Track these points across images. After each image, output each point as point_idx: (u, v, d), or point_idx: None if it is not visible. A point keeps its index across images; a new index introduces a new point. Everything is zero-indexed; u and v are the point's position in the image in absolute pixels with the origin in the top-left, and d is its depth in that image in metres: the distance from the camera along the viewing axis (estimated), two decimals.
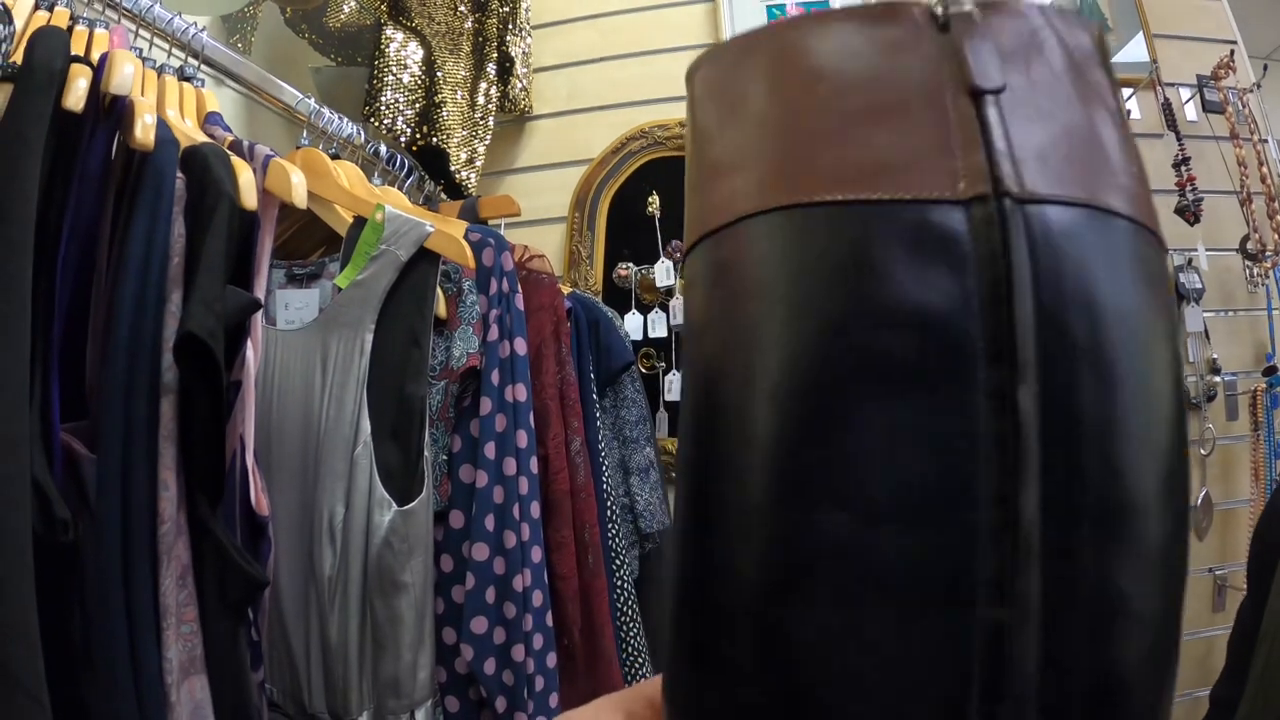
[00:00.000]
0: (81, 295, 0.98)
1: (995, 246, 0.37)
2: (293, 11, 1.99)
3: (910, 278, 0.36)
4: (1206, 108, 2.18)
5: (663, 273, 2.12)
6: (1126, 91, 2.19)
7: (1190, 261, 2.15)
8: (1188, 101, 2.19)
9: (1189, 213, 2.06)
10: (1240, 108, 2.15)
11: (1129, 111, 2.16)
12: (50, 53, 0.89)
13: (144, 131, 0.96)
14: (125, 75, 0.96)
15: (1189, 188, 2.06)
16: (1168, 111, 2.13)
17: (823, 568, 0.36)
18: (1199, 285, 2.15)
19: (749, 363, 0.38)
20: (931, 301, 0.36)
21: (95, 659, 0.84)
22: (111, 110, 0.99)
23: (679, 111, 2.26)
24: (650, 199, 2.19)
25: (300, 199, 1.18)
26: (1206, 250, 2.13)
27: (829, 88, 0.40)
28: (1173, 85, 2.18)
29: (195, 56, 1.39)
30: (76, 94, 0.91)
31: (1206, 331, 2.15)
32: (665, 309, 2.13)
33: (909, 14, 0.42)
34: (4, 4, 0.93)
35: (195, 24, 1.39)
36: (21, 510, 0.78)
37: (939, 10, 0.41)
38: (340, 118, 1.72)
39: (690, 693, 0.40)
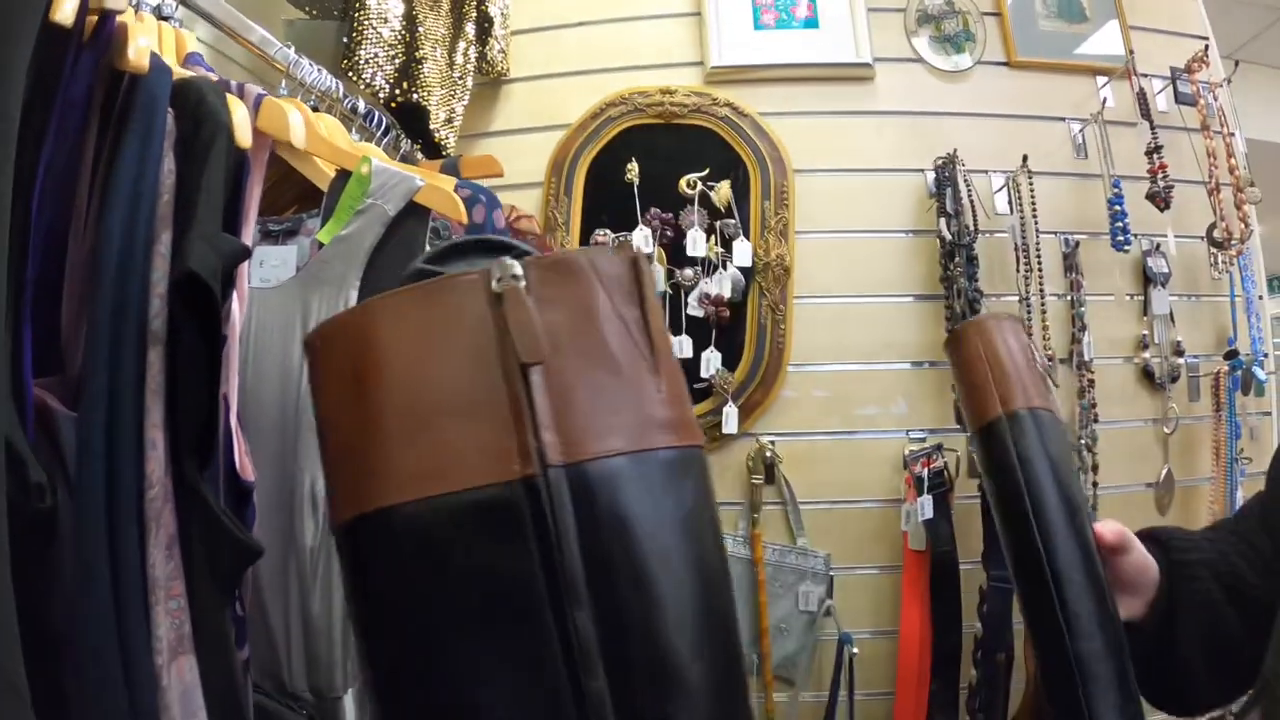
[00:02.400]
0: (58, 235, 0.85)
1: (543, 511, 0.48)
2: None
3: (485, 549, 0.48)
4: (1179, 99, 2.15)
5: (640, 240, 2.03)
6: (1102, 79, 2.16)
7: (1158, 246, 2.14)
8: (1160, 92, 2.16)
9: (1159, 198, 2.04)
10: (1212, 101, 2.12)
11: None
12: None
13: (138, 54, 0.83)
14: None
15: (1160, 175, 2.03)
16: (1142, 101, 2.11)
17: None
18: (1166, 270, 2.14)
19: (387, 629, 0.51)
20: (503, 565, 0.48)
21: (78, 640, 0.72)
22: (99, 33, 0.85)
23: (659, 78, 2.18)
24: (629, 166, 2.09)
25: (299, 139, 1.07)
26: (1175, 236, 2.12)
27: (410, 384, 0.52)
28: (1147, 76, 2.14)
29: None
30: (65, 7, 0.78)
31: (1172, 315, 2.14)
32: None
33: (474, 288, 0.52)
34: None
35: None
36: None
37: (494, 284, 0.52)
38: (320, 70, 1.59)
39: None
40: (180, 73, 1.02)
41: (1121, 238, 2.03)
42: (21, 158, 0.75)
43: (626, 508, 0.49)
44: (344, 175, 1.28)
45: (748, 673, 0.47)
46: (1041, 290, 2.04)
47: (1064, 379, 2.04)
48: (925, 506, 1.87)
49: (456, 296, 0.51)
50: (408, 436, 0.49)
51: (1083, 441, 2.00)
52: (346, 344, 0.52)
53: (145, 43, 0.84)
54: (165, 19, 1.22)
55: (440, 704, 0.49)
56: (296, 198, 1.48)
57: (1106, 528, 0.90)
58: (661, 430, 0.51)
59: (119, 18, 0.85)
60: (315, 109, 1.52)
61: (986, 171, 2.10)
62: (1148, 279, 2.13)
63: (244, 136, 0.93)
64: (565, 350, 0.49)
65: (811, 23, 2.15)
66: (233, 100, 0.95)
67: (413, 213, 1.26)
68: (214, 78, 1.14)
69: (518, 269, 0.52)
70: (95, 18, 0.84)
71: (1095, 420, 2.03)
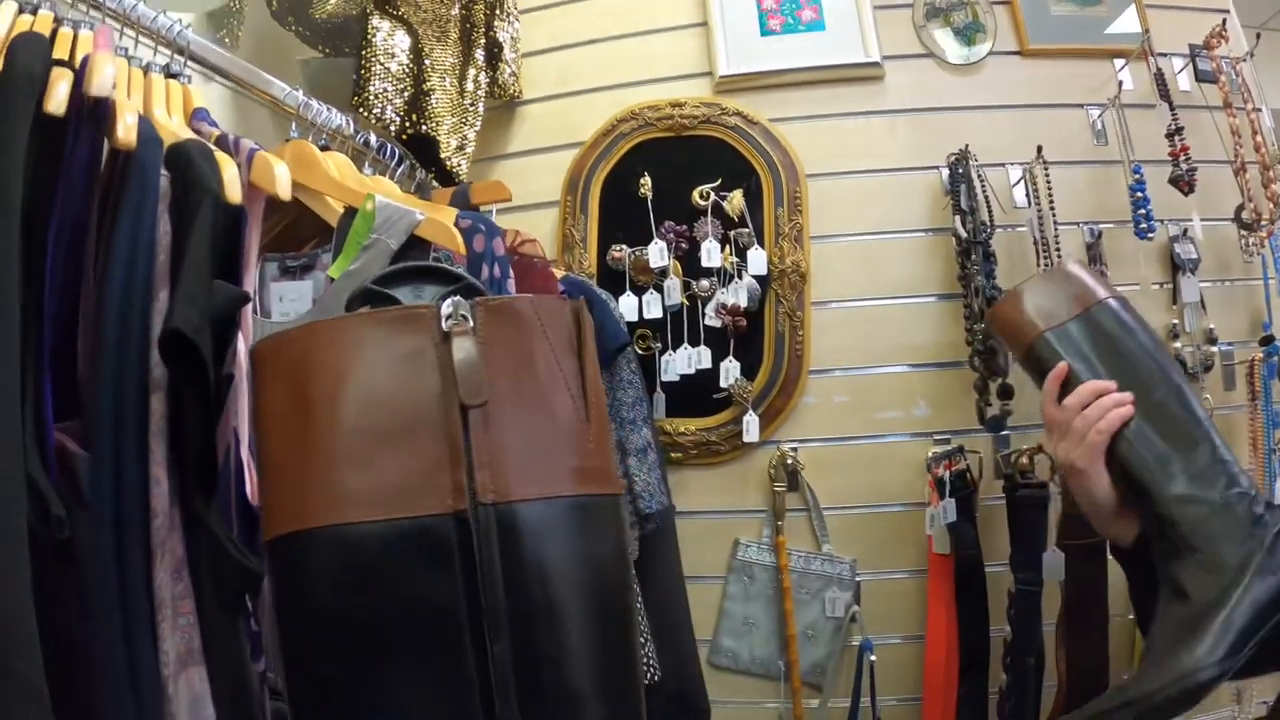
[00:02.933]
0: (71, 296, 0.99)
1: (472, 546, 0.54)
2: (279, 4, 1.99)
3: (414, 576, 0.53)
4: (1199, 77, 2.17)
5: (656, 254, 2.14)
6: (1119, 62, 2.19)
7: (1185, 232, 2.15)
8: (1180, 71, 2.18)
9: (1183, 182, 2.05)
10: (1234, 77, 2.14)
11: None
12: (30, 58, 0.91)
13: (126, 131, 0.98)
14: (106, 77, 0.97)
15: (1183, 158, 2.06)
16: (1160, 81, 2.13)
17: None
18: (1194, 255, 2.15)
19: (311, 645, 0.55)
20: (430, 593, 0.52)
21: (92, 653, 0.86)
22: (95, 112, 1.00)
23: (668, 91, 2.29)
24: (642, 180, 2.20)
25: (284, 191, 1.20)
26: (1201, 220, 2.14)
27: (355, 409, 0.57)
28: (1165, 55, 2.17)
29: (181, 53, 1.40)
30: (57, 98, 0.93)
31: (1203, 301, 2.15)
32: (660, 290, 2.14)
33: (424, 323, 0.58)
34: None
35: (180, 21, 1.40)
36: (17, 507, 0.80)
37: (443, 323, 0.58)
38: (329, 109, 1.74)
39: None
40: (180, 134, 1.16)
41: (1144, 225, 2.06)
42: (32, 228, 0.90)
43: (550, 549, 0.58)
44: (351, 212, 1.40)
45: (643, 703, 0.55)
46: None
47: None
48: (948, 510, 1.93)
49: (406, 329, 0.60)
50: (349, 460, 0.57)
51: None
52: (292, 360, 0.60)
53: (132, 120, 0.98)
54: (174, 76, 1.37)
55: None
56: (315, 233, 1.61)
57: None
58: (587, 479, 0.61)
59: (111, 97, 0.99)
60: (326, 147, 1.66)
61: (1004, 164, 2.15)
62: (1176, 266, 2.14)
63: (234, 193, 1.07)
64: (505, 394, 0.59)
65: (817, 25, 2.24)
66: (223, 159, 1.09)
67: (415, 245, 1.38)
68: (216, 133, 1.29)
69: (466, 309, 0.61)
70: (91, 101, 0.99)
71: None
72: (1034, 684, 1.88)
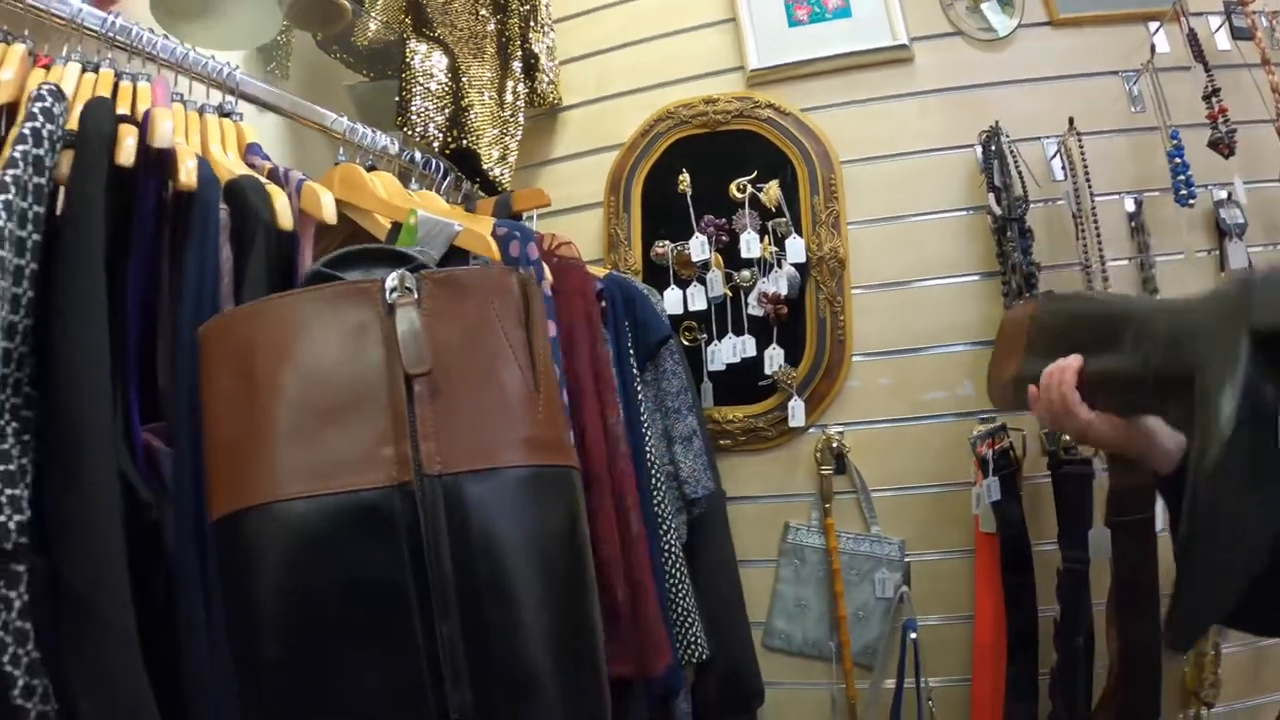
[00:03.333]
0: (150, 316, 1.19)
1: (417, 519, 0.55)
2: (322, 35, 2.20)
3: (358, 551, 0.54)
4: (1235, 35, 2.21)
5: (697, 247, 2.30)
6: (1152, 25, 2.25)
7: (1229, 195, 2.20)
8: (1217, 30, 2.22)
9: (1223, 145, 2.09)
10: (1271, 31, 2.18)
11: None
12: (99, 120, 1.12)
13: (187, 175, 1.18)
14: (165, 130, 1.17)
15: (1221, 120, 2.11)
16: (1193, 42, 2.17)
17: None
18: (1241, 220, 2.19)
19: (256, 623, 0.58)
20: (374, 567, 0.54)
21: (179, 615, 1.05)
22: (159, 159, 1.20)
23: (702, 89, 2.45)
24: (681, 177, 2.37)
25: (330, 216, 1.38)
26: (1245, 183, 2.19)
27: (300, 384, 0.58)
28: (1199, 15, 2.21)
29: (232, 93, 1.60)
30: (126, 151, 1.14)
31: (1252, 267, 2.16)
32: (703, 282, 2.31)
33: (369, 297, 0.60)
34: (57, 85, 1.14)
35: (229, 63, 1.60)
36: (112, 492, 0.99)
37: (388, 295, 0.60)
38: (374, 131, 1.93)
39: None
40: (235, 170, 1.36)
41: (1185, 191, 2.12)
42: (115, 263, 1.10)
43: (498, 522, 0.58)
44: (398, 226, 1.59)
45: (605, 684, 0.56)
46: (1101, 256, 2.16)
47: None
48: (993, 488, 2.03)
49: (350, 303, 0.60)
50: (293, 436, 0.58)
51: None
52: (234, 340, 0.61)
53: (192, 164, 1.19)
54: (227, 115, 1.58)
55: (304, 704, 0.57)
56: None
57: None
58: (537, 449, 0.61)
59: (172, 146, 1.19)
60: (373, 167, 1.86)
61: (1039, 138, 2.24)
62: (1221, 232, 2.19)
63: (286, 221, 1.27)
64: (450, 365, 0.59)
65: (844, 12, 2.37)
66: (275, 191, 1.29)
67: (455, 254, 1.55)
68: (269, 166, 1.49)
69: (411, 281, 0.62)
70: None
71: None
72: (1084, 664, 1.93)
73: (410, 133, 2.12)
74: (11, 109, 1.17)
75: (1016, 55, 2.33)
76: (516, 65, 2.37)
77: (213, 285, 1.17)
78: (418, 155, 2.05)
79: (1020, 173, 2.19)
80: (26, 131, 1.04)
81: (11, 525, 0.94)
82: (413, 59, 2.17)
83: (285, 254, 1.30)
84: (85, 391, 1.00)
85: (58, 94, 1.13)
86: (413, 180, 2.03)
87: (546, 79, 2.44)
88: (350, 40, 2.31)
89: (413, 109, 2.12)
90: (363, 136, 1.91)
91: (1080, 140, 2.20)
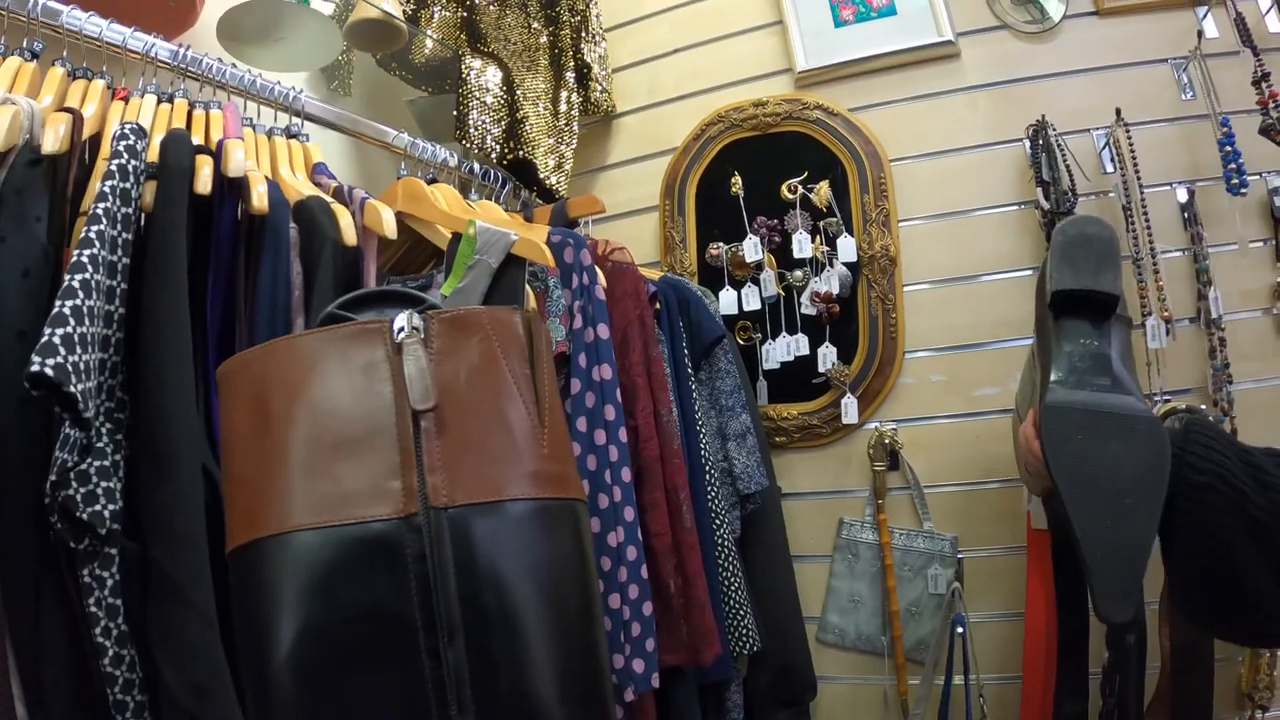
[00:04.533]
0: (229, 328, 1.35)
1: (423, 550, 0.58)
2: (380, 54, 2.36)
3: (366, 580, 0.57)
4: None
5: (751, 248, 2.42)
6: (1200, 10, 2.27)
7: None
8: (1267, 13, 2.24)
9: (1274, 131, 2.09)
10: None
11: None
12: (178, 154, 1.28)
13: (259, 199, 1.33)
14: (238, 160, 1.33)
15: (1271, 105, 2.13)
16: (1240, 26, 2.18)
17: None
18: None
19: (269, 651, 0.60)
20: (382, 597, 0.57)
21: None
22: (233, 185, 1.36)
23: (752, 92, 2.56)
24: (733, 179, 2.49)
25: (390, 231, 1.53)
26: None
27: (311, 420, 0.62)
28: None
29: (298, 115, 1.76)
30: (204, 181, 1.30)
31: None
32: (757, 282, 2.43)
33: (378, 337, 0.64)
34: (138, 124, 1.30)
35: (294, 87, 1.76)
36: (197, 484, 1.15)
37: (395, 336, 0.65)
38: (434, 145, 2.08)
39: None
40: (303, 190, 1.52)
41: (1236, 180, 2.14)
42: (195, 281, 1.25)
43: (503, 553, 0.61)
44: (458, 236, 1.72)
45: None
46: (1152, 248, 2.20)
47: (1190, 339, 2.18)
48: None
49: (360, 343, 0.64)
50: (303, 470, 0.61)
51: (1217, 407, 2.11)
52: (250, 378, 0.66)
53: (264, 189, 1.34)
54: (294, 136, 1.73)
55: None
56: (430, 256, 1.95)
57: None
58: (542, 483, 0.64)
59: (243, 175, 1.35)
60: (434, 180, 2.01)
61: (1088, 130, 2.29)
62: (1276, 220, 2.21)
63: (350, 238, 1.42)
64: (457, 401, 0.63)
65: (889, 10, 2.45)
66: (339, 210, 1.44)
67: (512, 262, 1.68)
68: (334, 184, 1.64)
69: (418, 321, 0.66)
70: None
71: (1230, 382, 2.12)
72: (1136, 663, 1.92)
73: (469, 145, 2.27)
74: (95, 139, 1.34)
75: (1063, 46, 2.37)
76: (570, 76, 2.51)
77: (285, 299, 1.32)
78: (476, 166, 2.20)
79: (1068, 166, 2.24)
80: (114, 168, 1.20)
81: (106, 513, 1.10)
82: (468, 74, 2.32)
83: (351, 267, 1.45)
84: (174, 395, 1.15)
85: (139, 131, 1.28)
86: (472, 191, 2.18)
87: (600, 87, 2.58)
88: (408, 58, 2.47)
89: (470, 123, 2.27)
90: (423, 151, 2.07)
91: (1128, 131, 2.24)
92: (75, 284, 1.06)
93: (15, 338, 1.14)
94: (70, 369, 1.01)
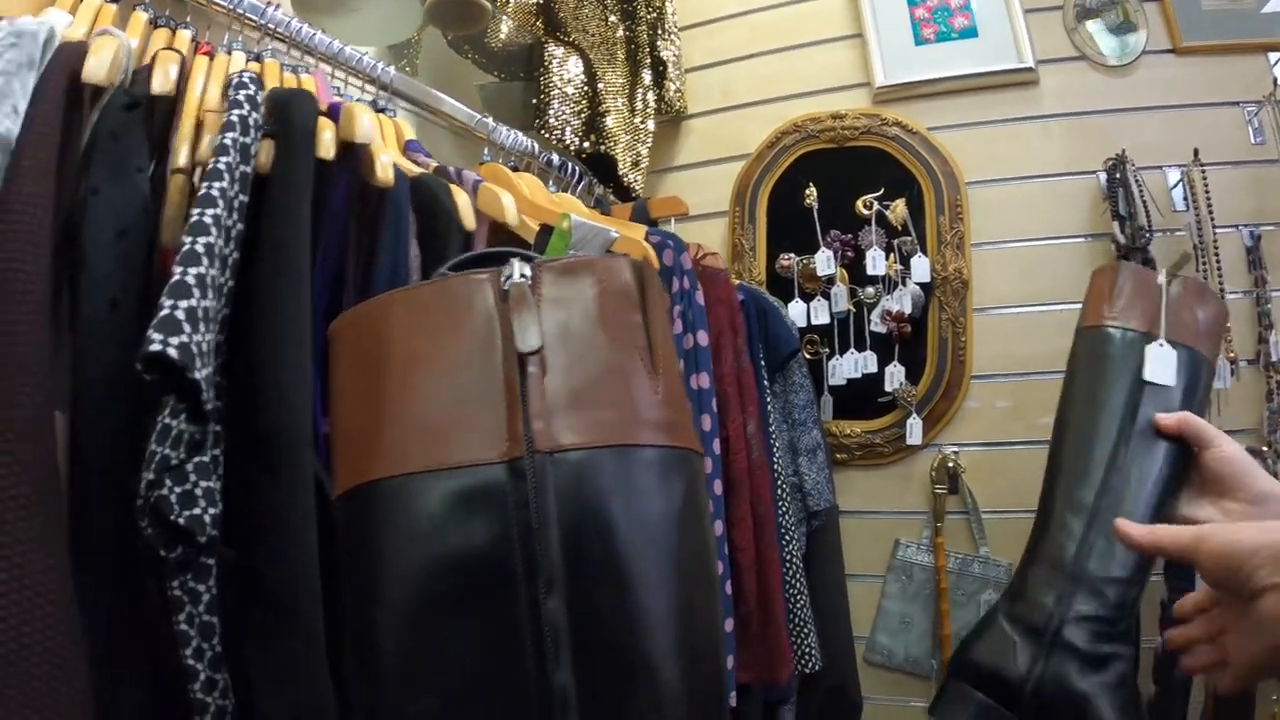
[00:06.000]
0: (335, 304, 1.13)
1: (526, 495, 0.54)
2: (453, 35, 2.14)
3: (467, 526, 0.54)
4: None
5: (823, 262, 2.22)
6: (1273, 56, 2.15)
7: None
8: None
9: None
10: None
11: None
12: (304, 112, 1.05)
13: (383, 170, 1.11)
14: (365, 126, 1.12)
15: None
16: None
17: None
18: None
19: (375, 595, 0.57)
20: (482, 543, 0.53)
21: None
22: (348, 153, 1.14)
23: (826, 103, 2.36)
24: (807, 191, 2.29)
25: (512, 218, 1.32)
26: None
27: (418, 368, 0.58)
28: None
29: (385, 89, 1.55)
30: (326, 145, 1.08)
31: None
32: (827, 296, 2.23)
33: (479, 290, 0.60)
34: (256, 74, 1.08)
35: (381, 61, 1.55)
36: (309, 488, 0.94)
37: (502, 282, 0.60)
38: (515, 133, 1.87)
39: None
40: (407, 166, 1.30)
41: None
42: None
43: (609, 499, 0.54)
44: (547, 229, 1.52)
45: (726, 682, 0.52)
46: (1221, 289, 2.05)
47: (1250, 381, 2.06)
48: None
49: (467, 291, 0.60)
50: (410, 416, 0.57)
51: (1271, 449, 1.99)
52: (360, 330, 0.62)
53: (388, 160, 1.12)
54: (381, 111, 1.52)
55: (408, 674, 0.54)
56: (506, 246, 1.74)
57: (1165, 416, 1.09)
58: (653, 429, 0.57)
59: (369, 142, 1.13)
60: (515, 168, 1.80)
61: (1161, 167, 2.14)
62: None
63: (469, 221, 1.21)
64: (564, 346, 0.57)
65: (970, 32, 2.27)
66: (456, 190, 1.22)
67: None
68: (433, 164, 1.42)
69: (526, 270, 0.61)
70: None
71: None
72: (1181, 698, 1.86)
73: (547, 135, 2.06)
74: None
75: (1139, 82, 2.22)
76: (646, 73, 2.30)
77: (404, 279, 1.10)
78: (555, 158, 1.98)
79: (1144, 201, 2.09)
80: (234, 119, 0.98)
81: (207, 518, 0.87)
82: (551, 63, 2.10)
83: (463, 253, 1.23)
84: (291, 387, 0.94)
85: (258, 81, 1.07)
86: (549, 182, 1.97)
87: (674, 86, 2.37)
88: (484, 41, 2.24)
89: (550, 112, 2.06)
90: (505, 137, 1.85)
91: (1204, 171, 2.10)
92: (199, 248, 0.84)
93: (107, 308, 0.92)
94: (194, 350, 0.79)
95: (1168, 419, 1.08)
